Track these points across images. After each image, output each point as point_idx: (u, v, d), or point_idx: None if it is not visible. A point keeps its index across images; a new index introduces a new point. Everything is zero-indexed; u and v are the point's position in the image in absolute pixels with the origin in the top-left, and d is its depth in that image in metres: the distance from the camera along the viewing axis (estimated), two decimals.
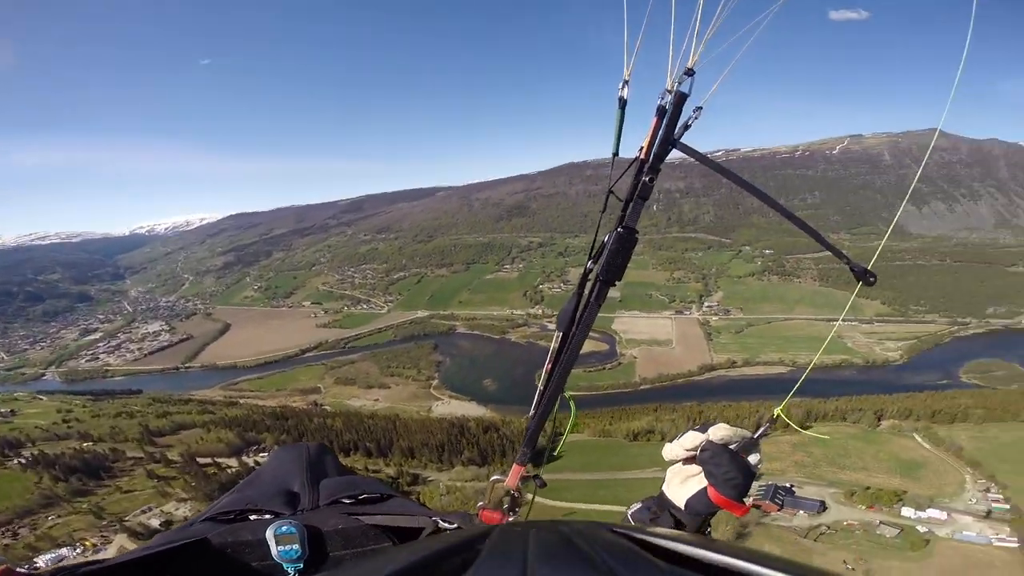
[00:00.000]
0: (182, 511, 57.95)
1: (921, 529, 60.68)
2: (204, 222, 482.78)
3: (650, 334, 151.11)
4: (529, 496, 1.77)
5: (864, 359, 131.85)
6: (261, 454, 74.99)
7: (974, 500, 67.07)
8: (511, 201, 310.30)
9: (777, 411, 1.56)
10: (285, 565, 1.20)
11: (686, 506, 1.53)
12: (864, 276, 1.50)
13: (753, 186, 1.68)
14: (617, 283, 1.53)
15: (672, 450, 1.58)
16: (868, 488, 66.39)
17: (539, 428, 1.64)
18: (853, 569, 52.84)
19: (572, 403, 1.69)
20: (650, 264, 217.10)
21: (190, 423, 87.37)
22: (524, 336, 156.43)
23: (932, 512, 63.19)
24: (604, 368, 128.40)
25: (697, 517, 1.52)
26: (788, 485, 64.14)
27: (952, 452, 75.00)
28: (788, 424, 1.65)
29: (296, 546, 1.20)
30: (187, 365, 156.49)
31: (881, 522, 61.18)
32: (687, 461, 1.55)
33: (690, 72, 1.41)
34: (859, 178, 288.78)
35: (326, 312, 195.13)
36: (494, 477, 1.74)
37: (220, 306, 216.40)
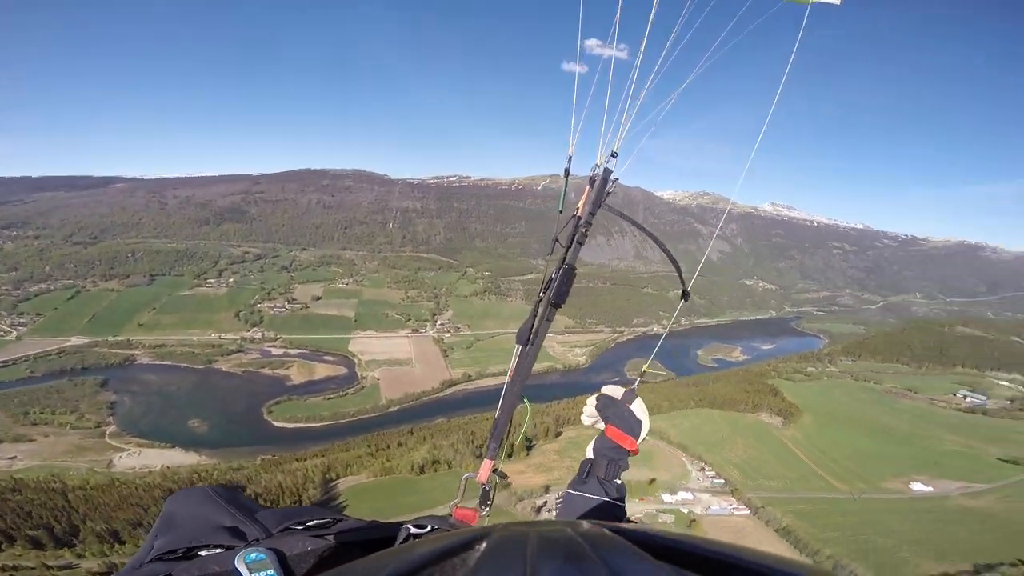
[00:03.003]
0: None
1: (684, 510, 72.40)
2: None
3: (389, 354, 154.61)
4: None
5: (563, 364, 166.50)
6: None
7: (699, 479, 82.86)
8: (224, 203, 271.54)
9: (645, 367, 2.48)
10: None
11: (593, 452, 2.09)
12: (684, 295, 2.30)
13: (651, 233, 2.43)
14: (563, 305, 2.13)
15: (585, 411, 2.24)
16: (629, 482, 79.73)
17: (506, 424, 2.04)
18: None
19: (527, 402, 2.18)
20: (385, 283, 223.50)
21: None
22: (240, 365, 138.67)
23: (682, 495, 76.02)
24: (346, 393, 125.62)
25: (604, 459, 2.07)
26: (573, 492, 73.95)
27: (664, 440, 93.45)
28: (647, 376, 2.59)
29: (271, 571, 1.23)
30: None
31: (658, 510, 71.18)
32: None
33: (615, 154, 2.10)
34: (554, 212, 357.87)
35: None
36: (466, 475, 2.00)
37: None
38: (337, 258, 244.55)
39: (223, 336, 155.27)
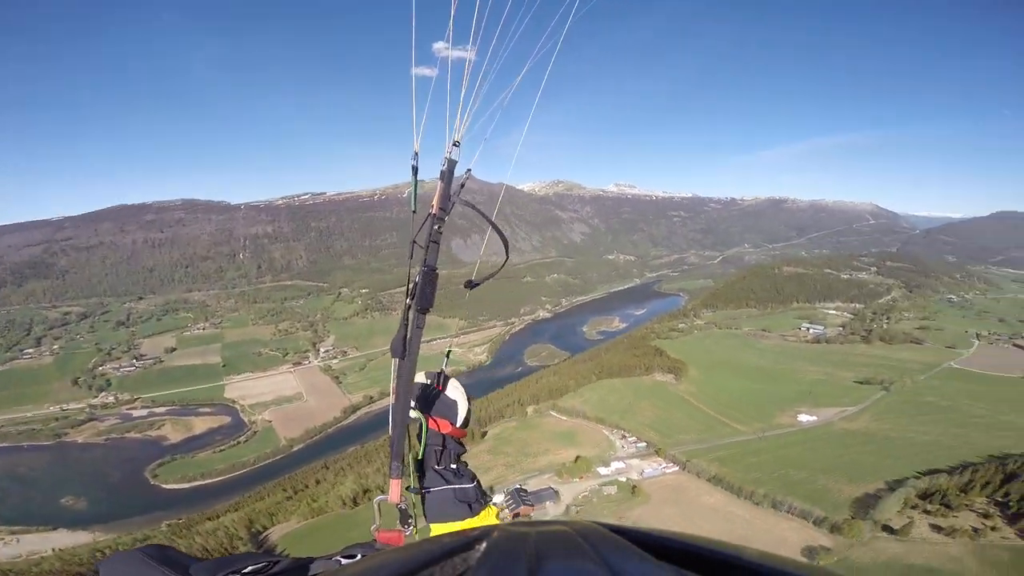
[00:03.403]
0: None
1: (622, 479, 75.68)
2: None
3: (275, 393, 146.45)
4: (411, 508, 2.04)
5: (467, 365, 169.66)
6: None
7: (624, 446, 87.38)
8: (21, 257, 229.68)
9: (448, 349, 2.44)
10: None
11: (420, 441, 2.09)
12: (470, 285, 2.39)
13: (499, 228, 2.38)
14: (431, 310, 2.08)
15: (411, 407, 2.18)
16: (565, 464, 79.73)
17: (401, 441, 1.98)
18: None
19: (418, 413, 2.10)
20: (250, 320, 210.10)
21: None
22: (99, 433, 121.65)
23: (615, 465, 79.74)
24: (239, 442, 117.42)
25: (431, 448, 2.10)
26: (518, 486, 70.98)
27: (581, 417, 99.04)
28: (451, 351, 2.48)
29: None
30: None
31: (600, 485, 74.38)
32: None
33: (457, 144, 2.12)
34: (423, 217, 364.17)
35: None
36: (378, 498, 2.02)
37: None
38: (184, 302, 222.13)
39: (65, 407, 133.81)
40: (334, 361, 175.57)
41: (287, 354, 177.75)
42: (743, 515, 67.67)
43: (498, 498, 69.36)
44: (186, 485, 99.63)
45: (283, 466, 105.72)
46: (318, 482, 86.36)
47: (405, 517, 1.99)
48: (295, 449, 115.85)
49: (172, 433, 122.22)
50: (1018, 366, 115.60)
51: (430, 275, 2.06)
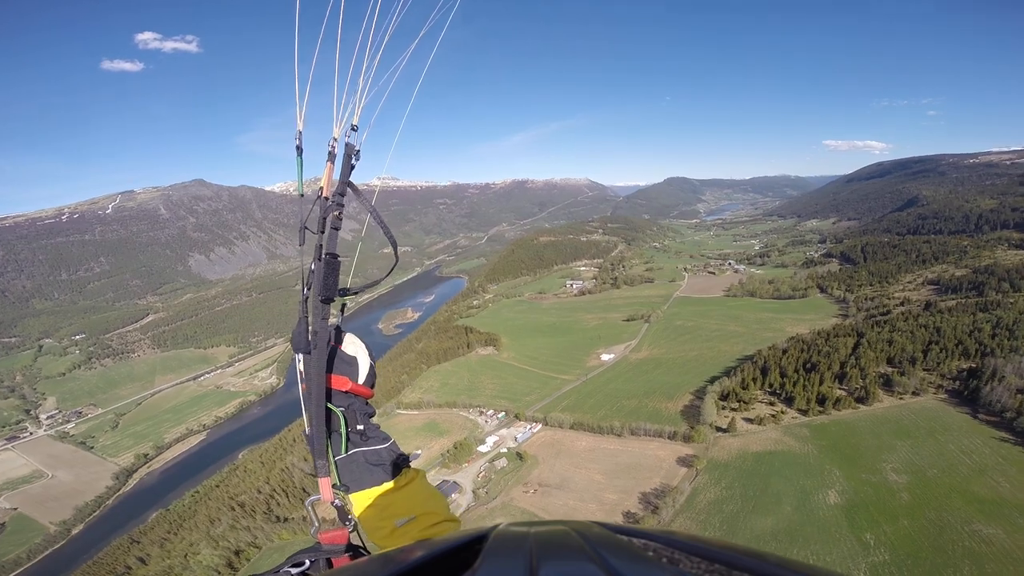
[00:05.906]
0: None
1: (504, 450, 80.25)
2: None
3: (2, 476, 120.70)
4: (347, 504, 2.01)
5: (256, 393, 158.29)
6: None
7: (487, 421, 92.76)
8: None
9: (343, 302, 2.26)
10: None
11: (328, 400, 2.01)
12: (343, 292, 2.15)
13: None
14: (334, 299, 2.05)
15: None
16: (444, 453, 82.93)
17: (322, 438, 1.93)
18: (535, 492, 70.06)
19: (337, 411, 1.98)
20: None
21: None
22: None
23: (491, 440, 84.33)
24: None
25: (338, 408, 2.00)
26: None
27: (432, 406, 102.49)
28: (346, 302, 2.28)
29: None
30: None
31: (490, 461, 78.26)
32: None
33: (355, 128, 2.09)
34: (143, 235, 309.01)
35: None
36: (310, 499, 1.98)
37: None
38: None
39: None
40: (69, 426, 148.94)
41: None
42: (617, 448, 76.92)
43: None
44: None
45: (71, 554, 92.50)
46: (144, 561, 76.80)
47: (343, 515, 1.97)
48: (74, 532, 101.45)
49: None
50: (715, 287, 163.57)
51: (332, 263, 2.02)
